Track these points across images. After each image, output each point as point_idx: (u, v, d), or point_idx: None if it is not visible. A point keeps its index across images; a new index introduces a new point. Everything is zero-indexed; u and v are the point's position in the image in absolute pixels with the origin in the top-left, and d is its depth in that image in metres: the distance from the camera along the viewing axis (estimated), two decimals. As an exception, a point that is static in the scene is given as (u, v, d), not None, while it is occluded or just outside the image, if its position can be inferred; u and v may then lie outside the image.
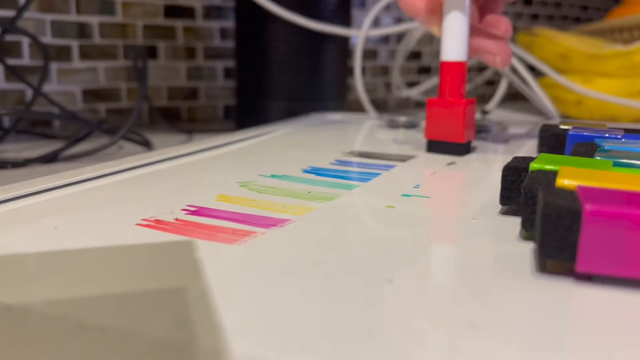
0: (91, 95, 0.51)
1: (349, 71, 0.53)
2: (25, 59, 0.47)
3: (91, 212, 0.20)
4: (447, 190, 0.24)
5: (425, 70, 0.75)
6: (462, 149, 0.31)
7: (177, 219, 0.19)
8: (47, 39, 0.48)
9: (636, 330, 0.12)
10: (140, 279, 0.14)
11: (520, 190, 0.19)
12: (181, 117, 0.57)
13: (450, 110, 0.30)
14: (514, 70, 0.51)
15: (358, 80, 0.50)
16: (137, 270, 0.15)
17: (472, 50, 0.31)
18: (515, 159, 0.20)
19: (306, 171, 0.27)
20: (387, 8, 0.67)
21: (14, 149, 0.38)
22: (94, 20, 0.50)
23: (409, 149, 0.33)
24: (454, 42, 0.30)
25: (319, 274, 0.14)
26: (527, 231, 0.16)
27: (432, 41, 0.74)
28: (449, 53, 0.30)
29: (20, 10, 0.38)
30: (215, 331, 0.11)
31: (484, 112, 0.50)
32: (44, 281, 0.14)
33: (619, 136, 0.25)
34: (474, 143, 0.34)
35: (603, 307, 0.13)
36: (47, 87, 0.48)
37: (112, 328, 0.12)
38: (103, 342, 0.11)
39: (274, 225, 0.18)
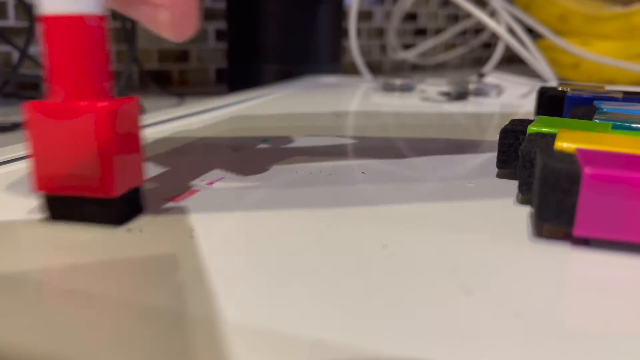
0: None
1: (344, 33, 0.52)
2: (11, 20, 0.46)
3: (80, 177, 0.19)
4: (441, 153, 0.23)
5: (422, 32, 0.74)
6: (114, 210, 0.15)
7: (168, 184, 0.18)
8: (32, -2, 0.47)
9: (633, 295, 0.12)
10: (131, 246, 0.14)
11: (517, 154, 0.18)
12: (172, 80, 0.56)
13: (71, 126, 0.14)
14: (511, 32, 0.50)
15: (353, 43, 0.49)
16: (127, 237, 0.14)
17: None
18: (513, 121, 0.19)
19: (300, 135, 0.26)
20: (383, -33, 0.65)
21: (1, 113, 0.37)
22: (80, -21, 0.49)
23: (405, 112, 0.33)
24: None
25: (312, 238, 0.14)
26: (524, 195, 0.16)
27: (428, 2, 0.72)
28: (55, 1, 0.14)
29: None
30: (207, 298, 0.11)
31: (481, 75, 0.49)
32: (32, 248, 0.14)
33: (617, 98, 0.24)
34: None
35: (600, 271, 0.13)
36: (34, 49, 0.47)
37: (101, 295, 0.11)
38: (92, 310, 0.11)
39: (267, 190, 0.18)
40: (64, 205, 0.15)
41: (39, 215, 0.15)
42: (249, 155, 0.22)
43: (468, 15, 0.60)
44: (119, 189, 0.14)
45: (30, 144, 0.14)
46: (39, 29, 0.14)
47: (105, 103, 0.14)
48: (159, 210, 0.16)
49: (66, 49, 0.14)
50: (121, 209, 0.15)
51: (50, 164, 0.14)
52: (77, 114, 0.14)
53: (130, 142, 0.15)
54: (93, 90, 0.14)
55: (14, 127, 0.32)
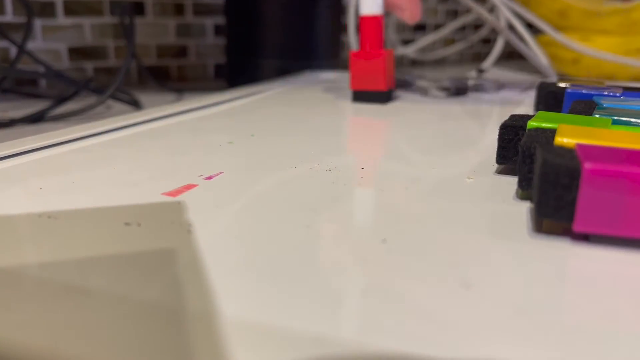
0: (77, 53, 0.50)
1: (343, 28, 0.52)
2: (9, 16, 0.46)
3: (79, 173, 0.19)
4: (440, 149, 0.23)
5: (421, 28, 0.74)
6: (384, 97, 0.34)
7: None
8: (30, -6, 0.46)
9: (633, 290, 0.12)
10: (129, 241, 0.14)
11: (517, 149, 0.18)
12: (170, 75, 0.55)
13: (371, 61, 0.33)
14: (511, 27, 0.49)
15: (352, 38, 0.49)
16: (125, 232, 0.14)
17: (386, 5, 0.34)
18: (513, 117, 0.19)
19: (299, 130, 0.26)
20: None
21: (-1, 109, 0.37)
22: (77, -26, 0.48)
23: (404, 108, 0.33)
24: None
25: (311, 234, 0.14)
26: (524, 190, 0.16)
27: (427, -3, 0.72)
28: (367, 8, 0.33)
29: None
30: (205, 294, 0.11)
31: (480, 71, 0.49)
32: (29, 243, 0.14)
33: (617, 94, 0.24)
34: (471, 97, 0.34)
35: (600, 267, 0.13)
36: (32, 45, 0.47)
37: (98, 291, 0.11)
38: (90, 306, 0.11)
39: (266, 186, 0.18)
40: (362, 95, 0.34)
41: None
42: (247, 150, 0.22)
43: (467, 10, 0.59)
44: (388, 86, 0.34)
45: (352, 69, 0.34)
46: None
47: (383, 51, 0.33)
48: (157, 205, 0.16)
49: (370, 29, 0.33)
50: (387, 96, 0.34)
51: (359, 77, 0.34)
52: (375, 56, 0.33)
53: (391, 67, 0.34)
54: (379, 46, 0.33)
55: (11, 122, 0.32)
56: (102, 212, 0.16)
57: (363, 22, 0.33)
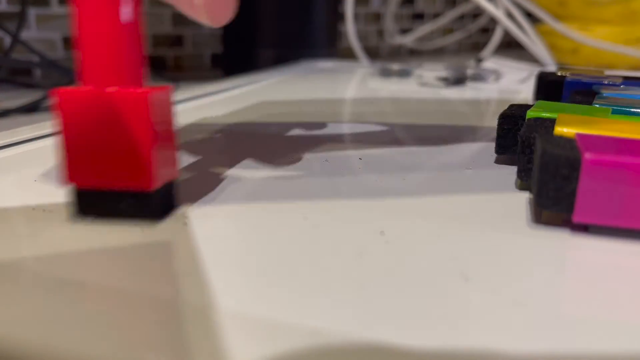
0: (72, 42, 0.49)
1: (340, 17, 0.51)
2: (2, 5, 0.45)
3: (73, 164, 0.19)
4: (439, 139, 0.23)
5: (419, 17, 0.73)
6: (152, 205, 0.14)
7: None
8: (24, -18, 0.46)
9: (633, 281, 0.12)
10: (125, 233, 0.13)
11: (516, 139, 0.18)
12: (167, 65, 0.55)
13: (113, 112, 0.13)
14: (510, 16, 0.49)
15: (350, 27, 0.49)
16: (121, 223, 0.14)
17: None
18: (512, 106, 0.19)
19: (296, 120, 0.26)
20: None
21: (-7, 99, 0.37)
22: (72, -38, 0.48)
23: (402, 98, 0.32)
24: None
25: (309, 225, 0.14)
26: (523, 181, 0.16)
27: (426, -14, 0.72)
28: None
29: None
30: (202, 287, 0.11)
31: (479, 60, 0.49)
32: (23, 236, 0.13)
33: (617, 83, 0.24)
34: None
35: (599, 257, 0.13)
36: (26, 34, 0.46)
37: (93, 284, 0.11)
38: (85, 299, 0.11)
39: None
40: (95, 201, 0.14)
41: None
42: (242, 141, 0.22)
43: (466, -1, 0.59)
44: (159, 179, 0.13)
45: (61, 133, 0.13)
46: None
47: (143, 89, 0.13)
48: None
49: (99, 35, 0.13)
50: (160, 203, 0.14)
51: (82, 156, 0.13)
52: (112, 102, 0.13)
53: (166, 132, 0.14)
54: (130, 75, 0.13)
55: (6, 112, 0.32)
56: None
57: (82, 16, 0.13)
